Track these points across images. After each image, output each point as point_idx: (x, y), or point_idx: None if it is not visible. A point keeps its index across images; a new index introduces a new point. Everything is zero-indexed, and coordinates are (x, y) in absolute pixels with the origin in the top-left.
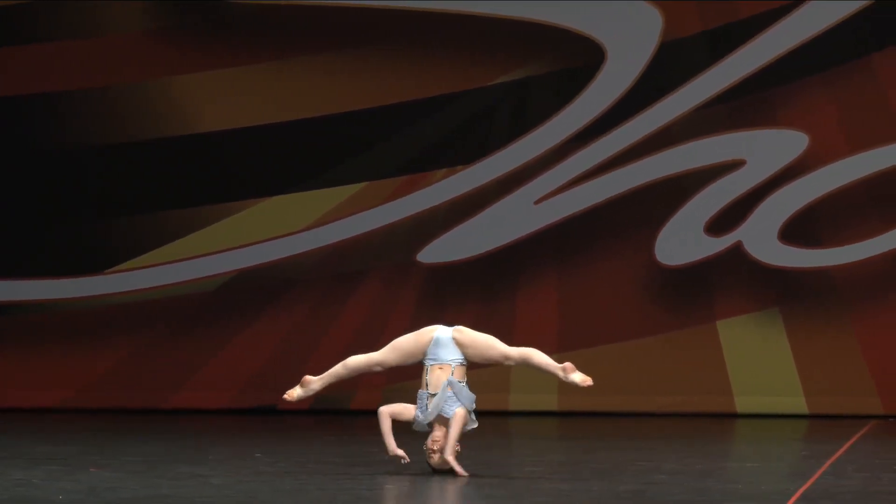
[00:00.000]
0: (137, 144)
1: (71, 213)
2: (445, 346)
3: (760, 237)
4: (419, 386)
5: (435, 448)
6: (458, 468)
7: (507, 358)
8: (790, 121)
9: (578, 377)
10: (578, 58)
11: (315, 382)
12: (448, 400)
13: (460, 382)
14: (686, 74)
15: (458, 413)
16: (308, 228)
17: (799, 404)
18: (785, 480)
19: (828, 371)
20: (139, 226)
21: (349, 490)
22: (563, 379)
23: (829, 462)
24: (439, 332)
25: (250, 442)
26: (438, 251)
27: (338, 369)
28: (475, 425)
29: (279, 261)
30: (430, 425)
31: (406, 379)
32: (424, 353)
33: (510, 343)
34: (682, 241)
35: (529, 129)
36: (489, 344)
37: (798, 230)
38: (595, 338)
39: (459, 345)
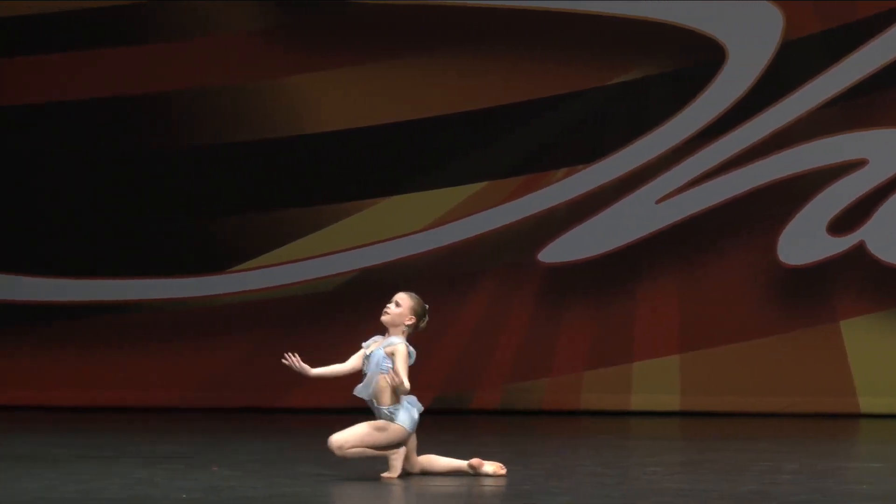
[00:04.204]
0: (255, 144)
1: (187, 213)
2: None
3: (883, 236)
4: (538, 387)
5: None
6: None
7: None
8: None
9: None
10: (698, 57)
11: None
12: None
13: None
14: (806, 74)
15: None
16: (427, 228)
17: None
18: None
19: None
20: (257, 225)
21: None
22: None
23: None
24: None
25: None
26: (558, 251)
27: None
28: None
29: (397, 261)
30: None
31: (524, 379)
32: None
33: (631, 343)
34: (804, 240)
35: (649, 129)
36: None
37: None
38: (717, 338)
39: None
